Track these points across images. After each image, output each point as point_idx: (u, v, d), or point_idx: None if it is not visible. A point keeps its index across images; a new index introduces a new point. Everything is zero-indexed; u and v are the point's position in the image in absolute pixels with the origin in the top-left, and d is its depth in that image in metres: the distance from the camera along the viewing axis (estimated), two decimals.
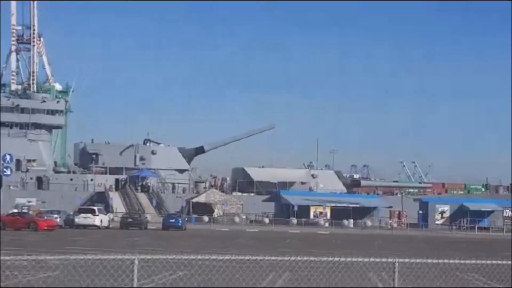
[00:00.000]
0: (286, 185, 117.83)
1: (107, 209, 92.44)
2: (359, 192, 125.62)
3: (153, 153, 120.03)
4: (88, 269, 14.56)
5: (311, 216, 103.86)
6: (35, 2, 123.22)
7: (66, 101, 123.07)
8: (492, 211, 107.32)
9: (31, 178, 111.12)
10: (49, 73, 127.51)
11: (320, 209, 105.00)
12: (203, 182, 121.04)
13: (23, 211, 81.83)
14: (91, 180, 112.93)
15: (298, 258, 13.45)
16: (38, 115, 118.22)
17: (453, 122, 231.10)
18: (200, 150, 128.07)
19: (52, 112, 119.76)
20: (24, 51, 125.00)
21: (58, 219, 72.59)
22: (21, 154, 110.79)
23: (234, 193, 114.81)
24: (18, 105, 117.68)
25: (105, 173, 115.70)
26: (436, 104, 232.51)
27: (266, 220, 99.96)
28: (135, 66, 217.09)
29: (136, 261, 11.48)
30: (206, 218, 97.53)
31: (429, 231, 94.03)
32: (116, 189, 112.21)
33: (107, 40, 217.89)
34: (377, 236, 77.05)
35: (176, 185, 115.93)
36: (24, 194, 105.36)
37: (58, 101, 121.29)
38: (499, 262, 14.78)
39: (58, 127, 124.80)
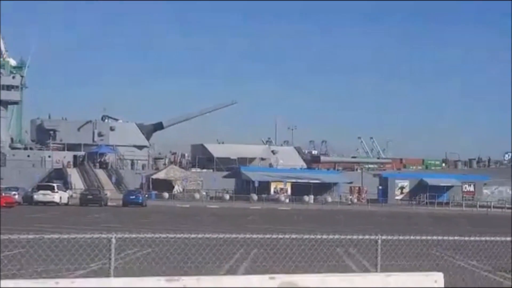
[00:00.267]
0: (246, 161, 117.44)
1: (66, 185, 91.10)
2: (319, 168, 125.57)
3: (111, 129, 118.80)
4: (64, 248, 13.92)
5: (272, 192, 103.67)
6: None
7: (22, 77, 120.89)
8: (451, 186, 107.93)
9: None
10: (2, 48, 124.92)
11: (280, 185, 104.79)
12: (162, 158, 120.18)
13: None
14: (49, 156, 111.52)
15: (274, 236, 13.02)
16: None
17: (410, 98, 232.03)
18: (159, 126, 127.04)
19: (8, 88, 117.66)
20: None
21: (17, 196, 71.39)
22: None
23: (193, 170, 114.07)
24: None
25: (63, 150, 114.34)
26: (393, 80, 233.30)
27: (227, 197, 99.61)
28: (93, 41, 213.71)
29: (114, 240, 11.11)
30: (166, 195, 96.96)
31: (389, 206, 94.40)
32: (74, 165, 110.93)
33: (63, 14, 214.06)
34: (338, 211, 77.07)
35: (135, 161, 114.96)
36: None
37: (13, 77, 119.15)
38: (486, 238, 14.37)
39: (14, 103, 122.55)
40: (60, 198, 73.96)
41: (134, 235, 11.85)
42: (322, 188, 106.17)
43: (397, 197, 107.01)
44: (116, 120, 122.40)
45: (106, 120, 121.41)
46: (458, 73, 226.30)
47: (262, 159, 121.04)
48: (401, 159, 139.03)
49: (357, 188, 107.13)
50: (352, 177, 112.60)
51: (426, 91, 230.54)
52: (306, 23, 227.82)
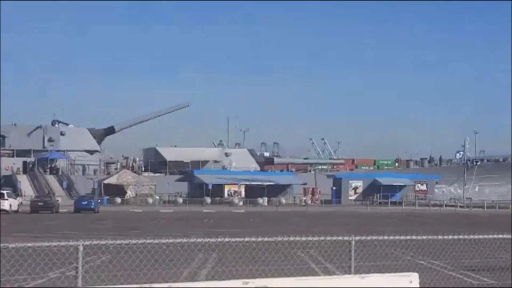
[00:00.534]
0: (199, 164, 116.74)
1: (16, 192, 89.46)
2: (273, 170, 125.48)
3: (61, 134, 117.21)
4: (20, 258, 13.29)
5: (226, 195, 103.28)
6: None
7: None
8: (404, 186, 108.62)
9: None
10: None
11: (234, 188, 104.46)
12: (114, 163, 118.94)
13: None
14: None
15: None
16: None
17: (360, 99, 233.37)
18: (110, 130, 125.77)
19: None
20: None
21: None
22: None
23: (145, 174, 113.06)
24: None
25: (12, 156, 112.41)
26: (344, 80, 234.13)
27: (180, 200, 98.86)
28: (41, 44, 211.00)
29: (81, 248, 10.74)
30: (118, 200, 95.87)
31: (343, 207, 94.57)
32: (24, 172, 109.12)
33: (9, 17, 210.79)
34: (293, 213, 76.88)
35: (87, 166, 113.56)
36: None
37: None
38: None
39: None
40: (10, 205, 72.30)
41: (103, 242, 11.34)
42: (276, 190, 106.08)
43: (350, 198, 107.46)
44: (67, 124, 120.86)
45: (56, 125, 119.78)
46: (408, 73, 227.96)
47: (216, 162, 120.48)
48: (353, 160, 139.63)
49: (310, 189, 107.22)
50: (306, 178, 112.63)
51: (376, 92, 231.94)
52: (255, 23, 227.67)
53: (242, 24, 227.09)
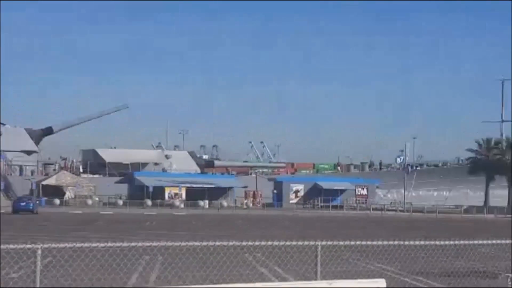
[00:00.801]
0: (139, 166, 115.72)
1: None
2: (214, 173, 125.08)
3: None
4: None
5: (166, 197, 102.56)
6: None
7: None
8: (345, 190, 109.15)
9: None
10: None
11: (175, 190, 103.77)
12: (52, 164, 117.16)
13: None
14: None
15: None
16: None
17: (299, 103, 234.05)
18: (48, 131, 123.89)
19: None
20: None
21: None
22: None
23: (84, 175, 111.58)
24: None
25: None
26: (283, 84, 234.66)
27: (120, 202, 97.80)
28: None
29: (39, 251, 10.61)
30: (57, 201, 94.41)
31: (285, 210, 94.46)
32: None
33: None
34: (235, 216, 76.62)
35: (24, 167, 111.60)
36: None
37: None
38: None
39: None
40: None
41: (62, 245, 10.97)
42: (217, 193, 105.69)
43: (292, 201, 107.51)
44: (3, 124, 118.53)
45: None
46: (349, 77, 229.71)
47: (156, 164, 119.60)
48: (292, 163, 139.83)
49: (252, 192, 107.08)
50: (247, 181, 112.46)
51: (315, 96, 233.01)
52: (191, 21, 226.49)
53: (178, 23, 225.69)
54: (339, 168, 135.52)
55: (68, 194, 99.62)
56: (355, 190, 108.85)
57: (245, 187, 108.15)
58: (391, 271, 19.82)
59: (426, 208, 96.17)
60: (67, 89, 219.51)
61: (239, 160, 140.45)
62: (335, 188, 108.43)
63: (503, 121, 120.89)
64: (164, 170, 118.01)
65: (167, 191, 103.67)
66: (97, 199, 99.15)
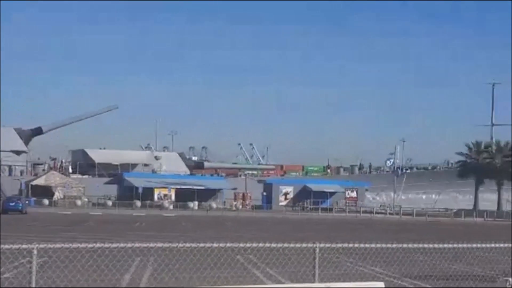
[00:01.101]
0: (128, 167, 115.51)
1: None
2: (203, 174, 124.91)
3: None
4: None
5: (156, 198, 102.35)
6: None
7: None
8: (334, 192, 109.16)
9: None
10: None
11: (164, 191, 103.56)
12: (41, 164, 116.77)
13: None
14: None
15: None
16: None
17: (287, 104, 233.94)
18: (38, 131, 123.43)
19: None
20: None
21: None
22: None
23: (73, 176, 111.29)
24: None
25: None
26: (273, 86, 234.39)
27: (109, 203, 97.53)
28: None
29: (35, 251, 10.52)
30: (46, 201, 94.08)
31: (274, 213, 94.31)
32: None
33: None
34: (225, 218, 76.51)
35: (13, 167, 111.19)
36: None
37: None
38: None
39: None
40: None
41: (58, 245, 10.83)
42: (207, 194, 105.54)
43: (281, 203, 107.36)
44: None
45: None
46: (338, 80, 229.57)
47: (145, 165, 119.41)
48: (281, 166, 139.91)
49: (241, 194, 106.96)
50: (236, 183, 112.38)
51: (303, 97, 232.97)
52: (180, 22, 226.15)
53: (168, 23, 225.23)
54: (328, 170, 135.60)
55: (57, 195, 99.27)
56: (345, 192, 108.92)
57: (235, 189, 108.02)
58: (385, 274, 19.75)
59: (415, 211, 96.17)
60: (59, 89, 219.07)
61: (228, 162, 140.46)
62: (325, 190, 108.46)
63: (493, 124, 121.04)
64: (153, 171, 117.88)
65: (156, 192, 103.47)
66: (86, 199, 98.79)
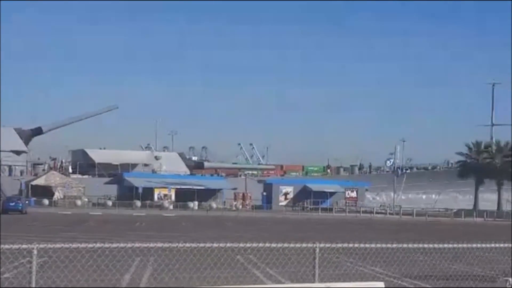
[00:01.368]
0: (128, 167, 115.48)
1: None
2: (203, 174, 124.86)
3: None
4: None
5: (156, 198, 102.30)
6: None
7: None
8: (334, 192, 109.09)
9: None
10: None
11: (164, 191, 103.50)
12: (41, 164, 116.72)
13: None
14: None
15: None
16: None
17: (288, 104, 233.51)
18: (38, 131, 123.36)
19: None
20: None
21: None
22: None
23: (73, 176, 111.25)
24: None
25: None
26: (273, 86, 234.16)
27: (109, 203, 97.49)
28: None
29: (35, 251, 10.49)
30: (46, 201, 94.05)
31: (274, 213, 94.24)
32: None
33: None
34: (225, 218, 76.47)
35: (13, 167, 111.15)
36: None
37: None
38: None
39: None
40: None
41: (58, 245, 10.82)
42: (207, 194, 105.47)
43: (281, 203, 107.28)
44: None
45: None
46: (337, 80, 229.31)
47: (145, 165, 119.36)
48: (281, 166, 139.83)
49: (241, 194, 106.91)
50: (236, 183, 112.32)
51: (303, 97, 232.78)
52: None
53: (168, 23, 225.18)
54: (329, 170, 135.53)
55: (57, 195, 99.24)
56: (345, 192, 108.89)
57: (235, 189, 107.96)
58: (385, 274, 19.73)
59: (415, 211, 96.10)
60: (59, 89, 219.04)
61: (228, 162, 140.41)
62: (325, 190, 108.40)
63: (493, 124, 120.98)
64: (153, 171, 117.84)
65: (156, 192, 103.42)
66: (86, 199, 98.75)
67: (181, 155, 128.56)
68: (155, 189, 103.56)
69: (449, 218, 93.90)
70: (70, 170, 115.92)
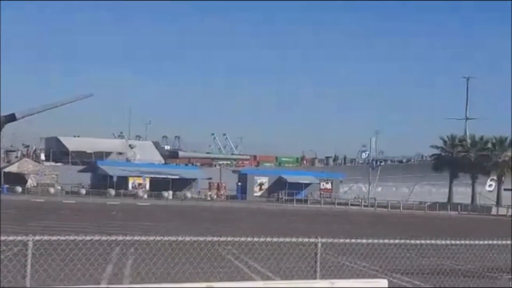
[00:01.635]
0: (102, 155, 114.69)
1: None
2: (177, 163, 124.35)
3: None
4: None
5: (130, 187, 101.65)
6: None
7: None
8: (309, 183, 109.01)
9: None
10: None
11: (139, 180, 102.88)
12: (14, 151, 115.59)
13: None
14: None
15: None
16: None
17: (262, 95, 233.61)
18: (11, 118, 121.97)
19: None
20: None
21: None
22: None
23: (47, 163, 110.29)
24: None
25: None
26: (245, 78, 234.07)
27: (83, 191, 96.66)
28: None
29: (31, 244, 10.15)
30: (19, 189, 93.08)
31: (249, 203, 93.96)
32: None
33: None
34: (200, 208, 76.04)
35: None
36: None
37: None
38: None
39: None
40: None
41: (54, 238, 10.42)
42: (181, 184, 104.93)
43: (256, 194, 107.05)
44: None
45: None
46: (313, 72, 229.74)
47: (119, 153, 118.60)
48: (255, 156, 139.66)
49: (216, 184, 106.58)
50: (211, 173, 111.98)
51: (279, 88, 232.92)
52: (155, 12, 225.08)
53: (144, 15, 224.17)
54: (304, 162, 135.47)
55: (30, 182, 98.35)
56: (320, 184, 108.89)
57: (209, 178, 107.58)
58: (371, 269, 19.47)
59: (390, 203, 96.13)
60: (34, 76, 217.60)
61: (201, 152, 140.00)
62: (300, 181, 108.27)
63: (467, 118, 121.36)
64: (127, 160, 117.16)
65: (130, 181, 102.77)
66: (59, 187, 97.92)
67: (156, 144, 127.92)
68: (130, 178, 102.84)
69: (423, 211, 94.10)
70: (43, 158, 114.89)
